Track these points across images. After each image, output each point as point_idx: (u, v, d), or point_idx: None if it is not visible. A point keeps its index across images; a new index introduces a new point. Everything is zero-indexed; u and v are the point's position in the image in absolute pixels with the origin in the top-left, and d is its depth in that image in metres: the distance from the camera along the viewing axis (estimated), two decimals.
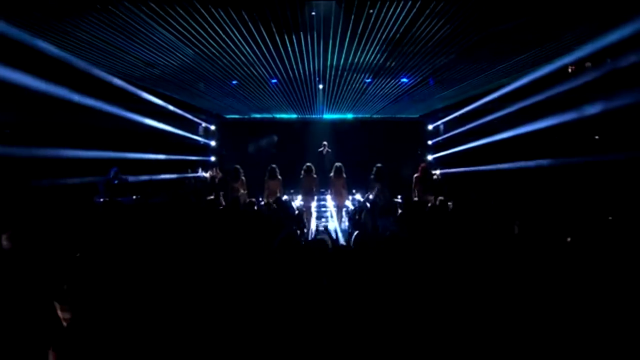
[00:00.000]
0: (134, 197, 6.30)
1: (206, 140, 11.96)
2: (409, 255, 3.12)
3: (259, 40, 5.42)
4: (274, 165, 7.96)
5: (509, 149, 7.84)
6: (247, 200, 8.06)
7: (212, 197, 7.32)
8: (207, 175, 10.34)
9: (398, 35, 5.21)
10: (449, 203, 6.46)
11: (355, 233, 3.81)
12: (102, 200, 5.79)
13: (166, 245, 3.78)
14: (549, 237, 4.09)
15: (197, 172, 10.49)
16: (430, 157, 11.90)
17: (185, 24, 4.88)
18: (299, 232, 5.88)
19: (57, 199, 5.32)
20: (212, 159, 12.14)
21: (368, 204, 7.98)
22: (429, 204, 6.85)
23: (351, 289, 2.96)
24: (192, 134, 10.88)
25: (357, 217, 5.80)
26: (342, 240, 6.72)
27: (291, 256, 3.40)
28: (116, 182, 6.24)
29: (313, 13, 4.83)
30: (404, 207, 5.75)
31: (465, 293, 2.76)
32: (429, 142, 12.18)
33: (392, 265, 3.09)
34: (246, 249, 3.86)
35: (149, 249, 3.61)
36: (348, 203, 9.17)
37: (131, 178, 6.93)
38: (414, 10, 4.53)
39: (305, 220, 8.01)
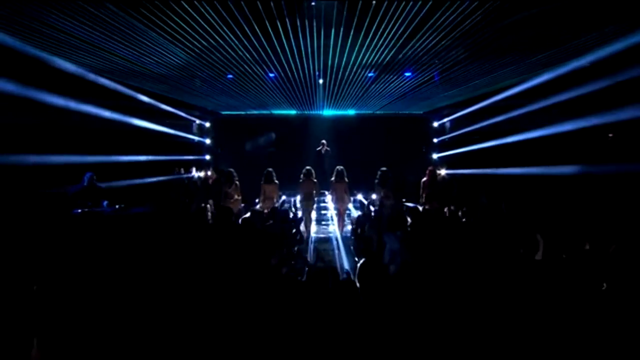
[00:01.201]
0: (117, 206, 5.73)
1: (200, 138, 11.39)
2: (421, 298, 2.59)
3: (250, 34, 4.85)
4: (270, 169, 7.41)
5: (524, 152, 7.31)
6: (242, 205, 7.55)
7: (204, 204, 6.78)
8: (201, 175, 9.78)
9: (410, 30, 4.64)
10: (460, 213, 5.96)
11: (361, 262, 3.28)
12: (80, 211, 5.23)
13: (147, 279, 3.26)
14: (583, 260, 3.58)
15: (190, 172, 9.91)
16: (435, 156, 11.34)
17: (168, 20, 4.33)
18: (297, 247, 5.37)
19: (22, 213, 4.77)
20: (207, 157, 11.59)
21: (372, 207, 7.49)
22: (439, 212, 6.35)
23: (356, 333, 2.48)
24: (185, 132, 10.31)
25: (359, 230, 5.26)
26: (344, 254, 6.22)
27: (288, 290, 2.89)
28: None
29: (313, 3, 4.25)
30: (412, 219, 5.21)
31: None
32: (435, 140, 11.61)
33: (402, 310, 2.58)
34: (236, 276, 3.36)
35: (126, 286, 3.08)
36: (350, 206, 8.66)
37: (114, 183, 6.39)
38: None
39: (305, 228, 7.49)
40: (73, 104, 5.76)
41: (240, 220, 5.48)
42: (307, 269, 3.89)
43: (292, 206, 8.61)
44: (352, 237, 6.29)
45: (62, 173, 5.86)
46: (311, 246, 7.09)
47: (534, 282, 2.96)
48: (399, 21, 4.49)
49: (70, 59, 5.41)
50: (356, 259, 5.85)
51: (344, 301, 2.56)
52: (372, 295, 2.59)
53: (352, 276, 3.27)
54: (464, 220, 5.71)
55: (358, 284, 3.04)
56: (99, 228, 4.79)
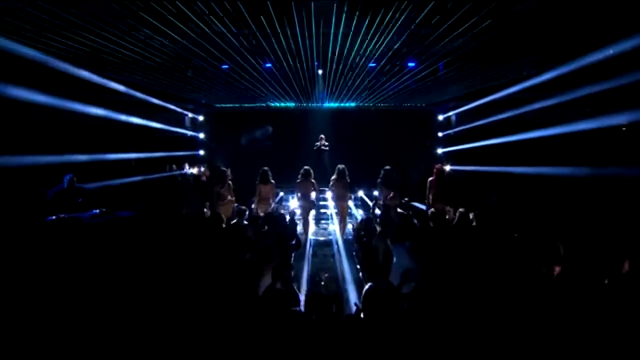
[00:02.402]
0: (98, 210, 5.25)
1: (194, 133, 10.87)
2: (435, 334, 2.17)
3: (243, 22, 4.36)
4: (266, 168, 6.92)
5: (535, 150, 6.84)
6: (235, 205, 7.06)
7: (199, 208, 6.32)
8: (194, 171, 9.28)
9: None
10: (472, 215, 5.50)
11: (367, 286, 2.83)
12: (55, 217, 4.76)
13: (126, 299, 2.82)
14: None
15: (183, 168, 9.40)
16: (440, 151, 10.86)
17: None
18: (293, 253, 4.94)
19: None
20: (201, 153, 11.09)
21: (377, 210, 7.03)
22: (447, 216, 5.91)
23: None
24: (177, 126, 9.81)
25: (364, 238, 4.82)
26: (345, 259, 5.79)
27: (282, 320, 2.45)
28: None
29: None
30: (421, 226, 4.77)
31: None
32: (439, 134, 11.12)
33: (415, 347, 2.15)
34: (224, 297, 2.93)
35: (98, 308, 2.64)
36: (350, 203, 8.22)
37: (95, 185, 5.92)
38: None
39: (302, 230, 7.05)
40: (53, 100, 5.34)
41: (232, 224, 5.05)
42: (306, 293, 3.45)
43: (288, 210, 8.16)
44: (355, 242, 5.87)
45: (41, 174, 5.41)
46: (309, 250, 6.67)
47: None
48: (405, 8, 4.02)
49: (46, 49, 4.92)
50: (358, 266, 5.44)
51: (350, 345, 2.12)
52: (383, 335, 2.15)
53: (359, 302, 2.82)
54: (474, 224, 5.27)
55: (363, 315, 2.61)
56: (76, 237, 4.32)
